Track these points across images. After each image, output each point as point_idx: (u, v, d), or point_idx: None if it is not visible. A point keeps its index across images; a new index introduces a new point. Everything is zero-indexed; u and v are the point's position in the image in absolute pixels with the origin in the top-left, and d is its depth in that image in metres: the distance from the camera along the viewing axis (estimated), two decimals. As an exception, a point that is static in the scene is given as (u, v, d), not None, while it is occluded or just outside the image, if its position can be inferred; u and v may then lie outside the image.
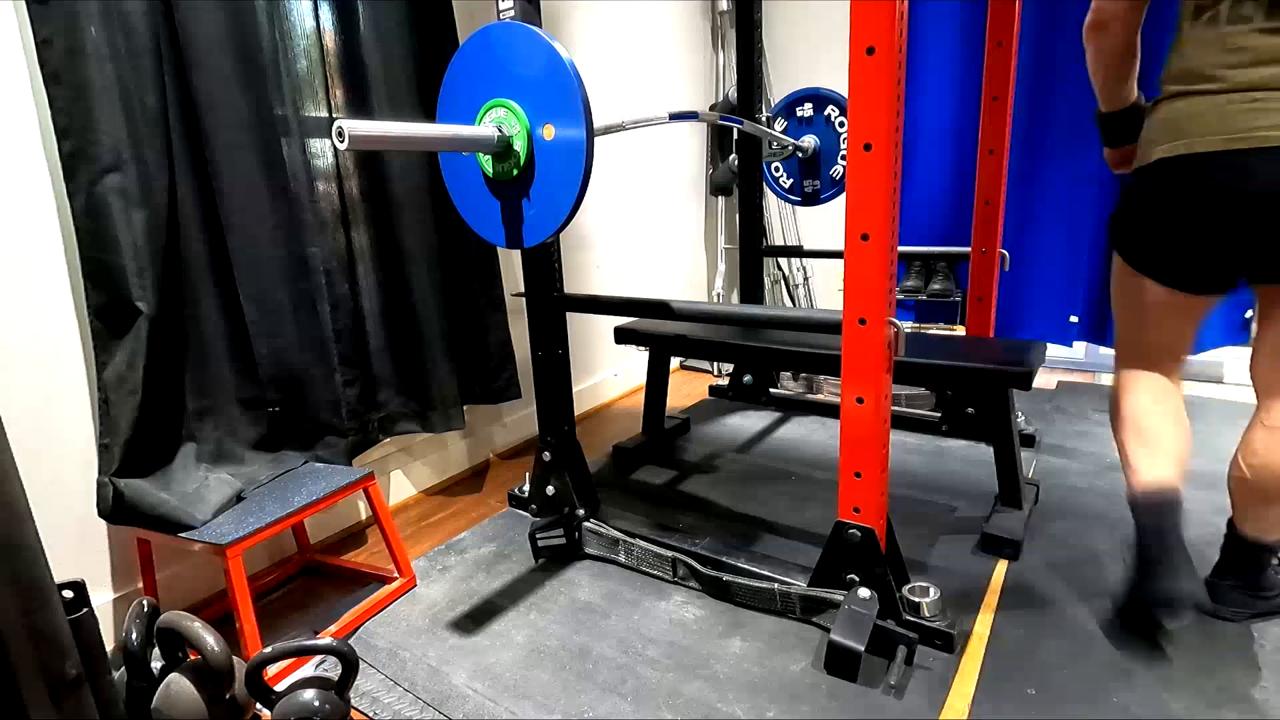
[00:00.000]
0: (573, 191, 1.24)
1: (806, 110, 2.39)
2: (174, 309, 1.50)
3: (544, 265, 1.74)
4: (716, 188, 3.50)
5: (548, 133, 1.24)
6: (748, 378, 2.83)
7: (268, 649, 1.09)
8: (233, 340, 1.62)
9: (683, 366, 3.53)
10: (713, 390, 2.97)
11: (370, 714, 1.27)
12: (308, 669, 1.38)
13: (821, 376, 2.97)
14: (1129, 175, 1.33)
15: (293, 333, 1.69)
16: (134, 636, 1.04)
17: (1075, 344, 2.80)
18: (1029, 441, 2.20)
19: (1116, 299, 1.41)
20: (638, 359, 3.12)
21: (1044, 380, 2.86)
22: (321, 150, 1.83)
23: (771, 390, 2.81)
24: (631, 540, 1.69)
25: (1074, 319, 2.74)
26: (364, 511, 2.04)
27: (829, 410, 2.66)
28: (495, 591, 1.64)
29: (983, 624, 1.41)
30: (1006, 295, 2.77)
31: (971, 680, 1.26)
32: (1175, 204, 1.20)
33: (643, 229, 3.12)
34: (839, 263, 1.31)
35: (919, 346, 1.79)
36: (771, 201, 3.27)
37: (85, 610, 0.79)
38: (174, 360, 1.51)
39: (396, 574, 1.68)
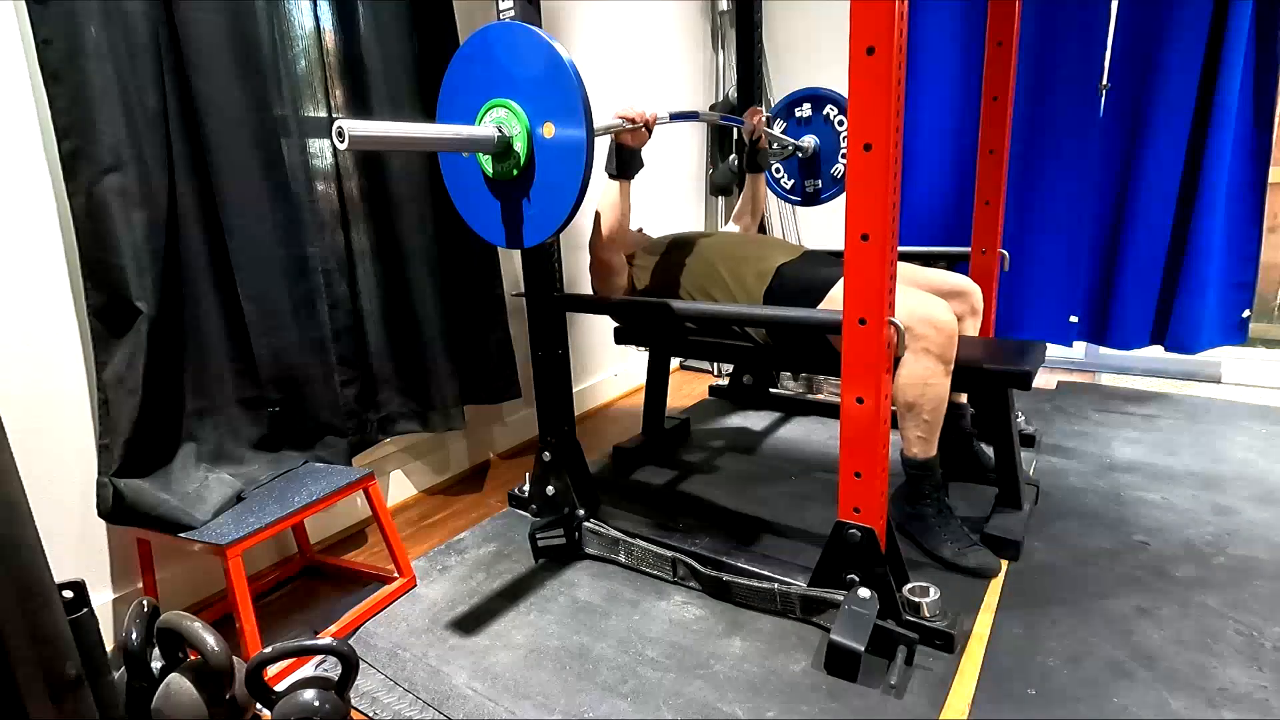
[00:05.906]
0: (573, 192, 1.24)
1: (806, 110, 2.39)
2: (174, 309, 1.50)
3: (544, 265, 1.74)
4: (716, 188, 3.49)
5: (548, 133, 1.24)
6: (748, 378, 2.83)
7: (268, 649, 1.09)
8: (233, 340, 1.62)
9: (683, 366, 3.53)
10: (713, 390, 2.97)
11: (370, 714, 1.27)
12: (308, 669, 1.38)
13: (821, 376, 2.96)
14: None
15: (293, 333, 1.69)
16: (134, 636, 1.04)
17: (1075, 344, 2.80)
18: (1029, 441, 2.20)
19: None
20: (638, 359, 3.11)
21: (1044, 380, 2.86)
22: (321, 150, 1.83)
23: (771, 390, 2.80)
24: (631, 540, 1.68)
25: (1074, 319, 2.74)
26: (364, 511, 2.03)
27: (829, 410, 2.66)
28: (495, 591, 1.64)
29: (983, 624, 1.41)
30: (1006, 295, 2.77)
31: (971, 680, 1.26)
32: None
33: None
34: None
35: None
36: (771, 201, 3.27)
37: (85, 610, 0.79)
38: (174, 360, 1.51)
39: (396, 574, 1.68)
